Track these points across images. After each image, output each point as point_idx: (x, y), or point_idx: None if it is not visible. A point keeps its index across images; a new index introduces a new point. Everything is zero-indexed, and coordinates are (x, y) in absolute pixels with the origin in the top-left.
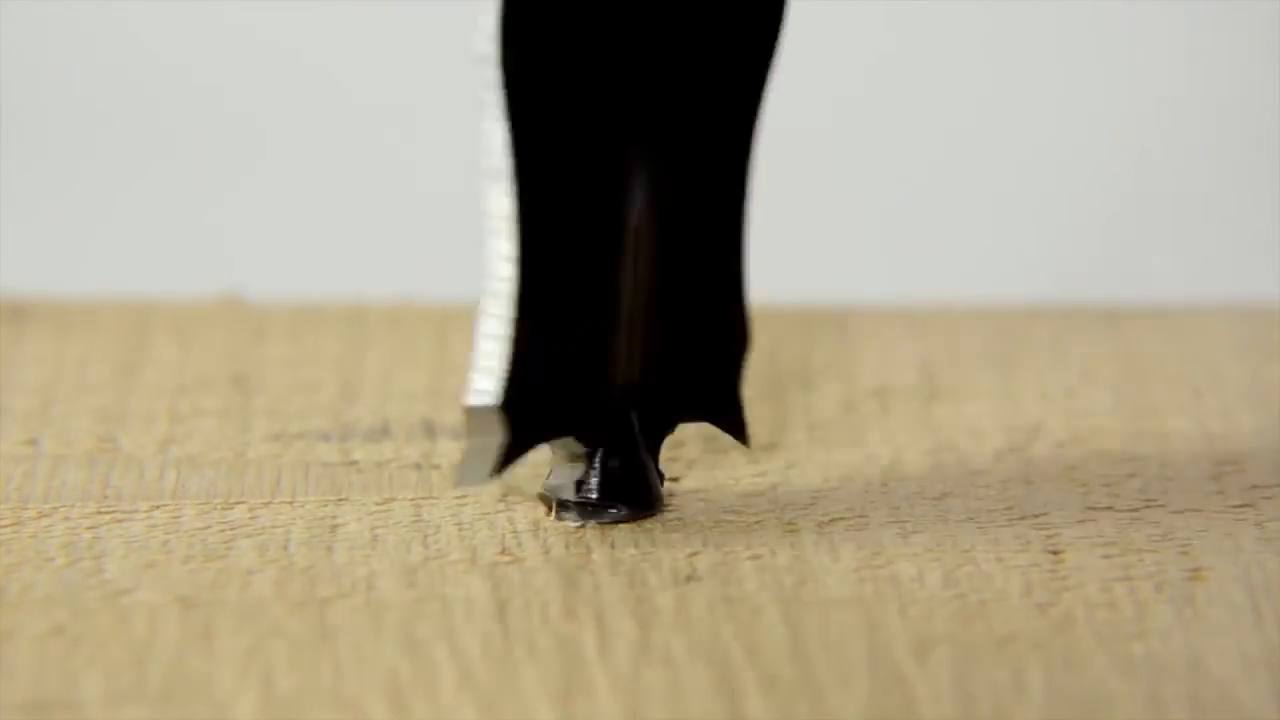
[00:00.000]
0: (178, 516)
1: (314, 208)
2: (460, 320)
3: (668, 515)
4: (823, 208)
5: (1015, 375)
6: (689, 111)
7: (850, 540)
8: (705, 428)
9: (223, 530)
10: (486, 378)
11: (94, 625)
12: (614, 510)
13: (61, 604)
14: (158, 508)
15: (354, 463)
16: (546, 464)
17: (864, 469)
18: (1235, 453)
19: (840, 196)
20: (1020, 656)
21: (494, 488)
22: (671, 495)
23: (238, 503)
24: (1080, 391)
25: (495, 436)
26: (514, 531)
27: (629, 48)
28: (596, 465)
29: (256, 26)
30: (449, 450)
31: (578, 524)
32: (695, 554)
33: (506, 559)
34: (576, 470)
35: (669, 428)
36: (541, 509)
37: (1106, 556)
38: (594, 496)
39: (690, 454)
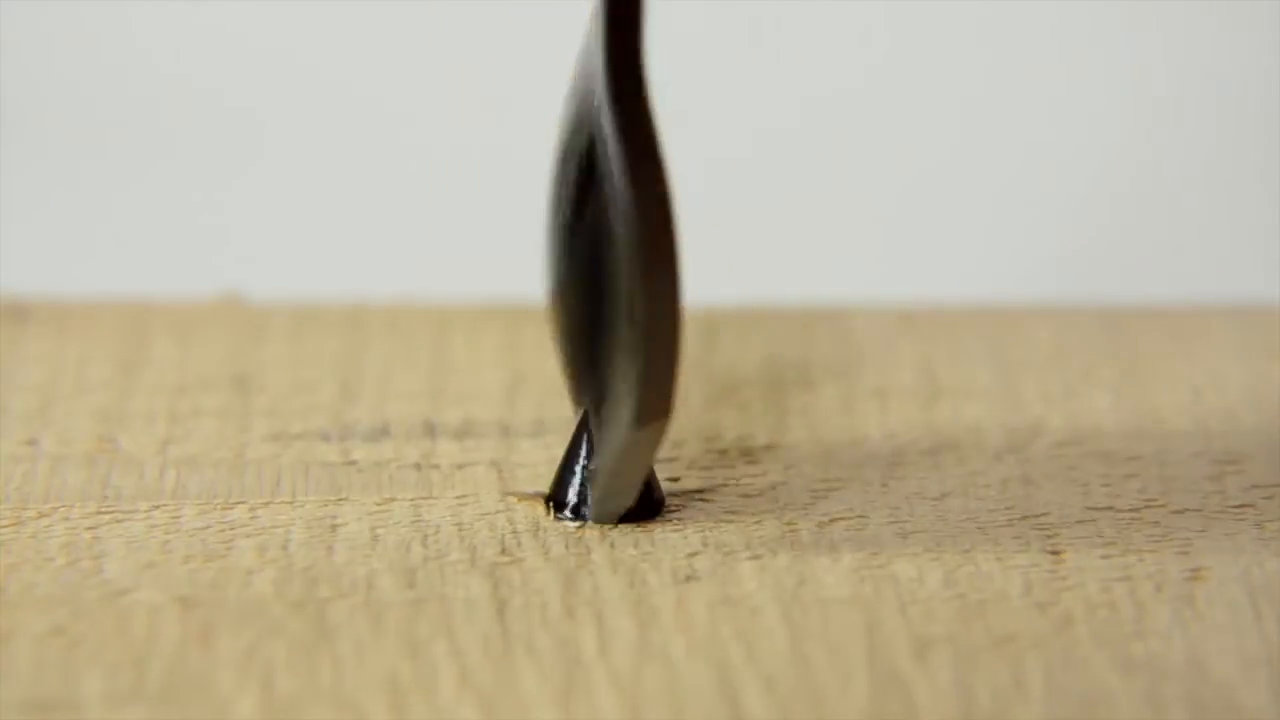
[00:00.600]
0: (177, 516)
1: (314, 208)
2: (460, 320)
3: (668, 515)
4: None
5: (1015, 375)
6: None
7: (850, 540)
8: (706, 426)
9: (222, 530)
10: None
11: (94, 625)
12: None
13: (61, 604)
14: (157, 507)
15: (354, 463)
16: (547, 464)
17: (864, 469)
18: (1235, 453)
19: (840, 196)
20: (1020, 656)
21: (495, 486)
22: (671, 495)
23: (237, 503)
24: (1080, 391)
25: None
26: (514, 532)
27: None
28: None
29: (257, 27)
30: (449, 450)
31: (577, 524)
32: (695, 554)
33: (506, 559)
34: (576, 473)
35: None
36: (540, 509)
37: (1106, 557)
38: (566, 500)
39: (690, 454)
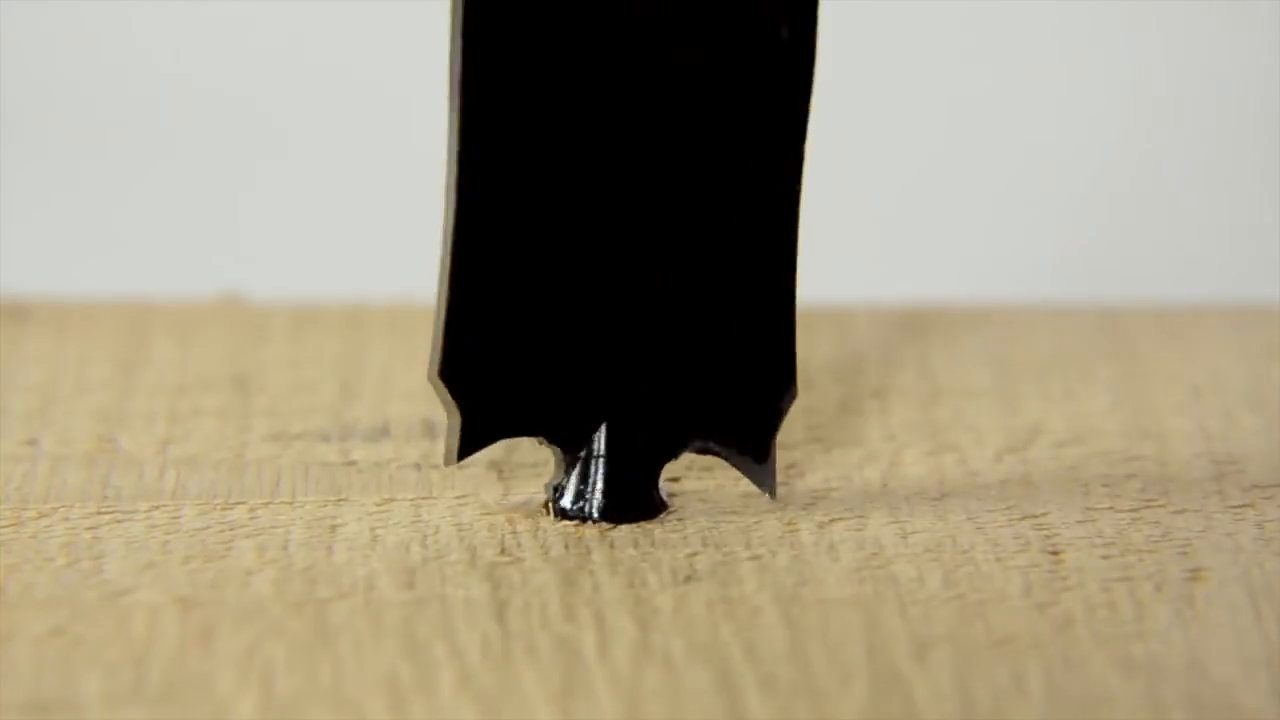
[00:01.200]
0: (177, 517)
1: (314, 208)
2: None
3: (668, 515)
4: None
5: (1015, 376)
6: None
7: (850, 540)
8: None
9: (222, 530)
10: (433, 350)
11: (94, 626)
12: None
13: (61, 604)
14: (157, 508)
15: (353, 463)
16: (547, 464)
17: (864, 469)
18: (1235, 453)
19: (839, 196)
20: (1020, 657)
21: (494, 487)
22: (671, 496)
23: (237, 503)
24: (1080, 392)
25: (454, 417)
26: (513, 532)
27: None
28: (573, 473)
29: (257, 27)
30: None
31: (575, 521)
32: (695, 554)
33: (506, 559)
34: (562, 473)
35: (676, 450)
36: (540, 509)
37: (1106, 557)
38: (565, 504)
39: (690, 454)
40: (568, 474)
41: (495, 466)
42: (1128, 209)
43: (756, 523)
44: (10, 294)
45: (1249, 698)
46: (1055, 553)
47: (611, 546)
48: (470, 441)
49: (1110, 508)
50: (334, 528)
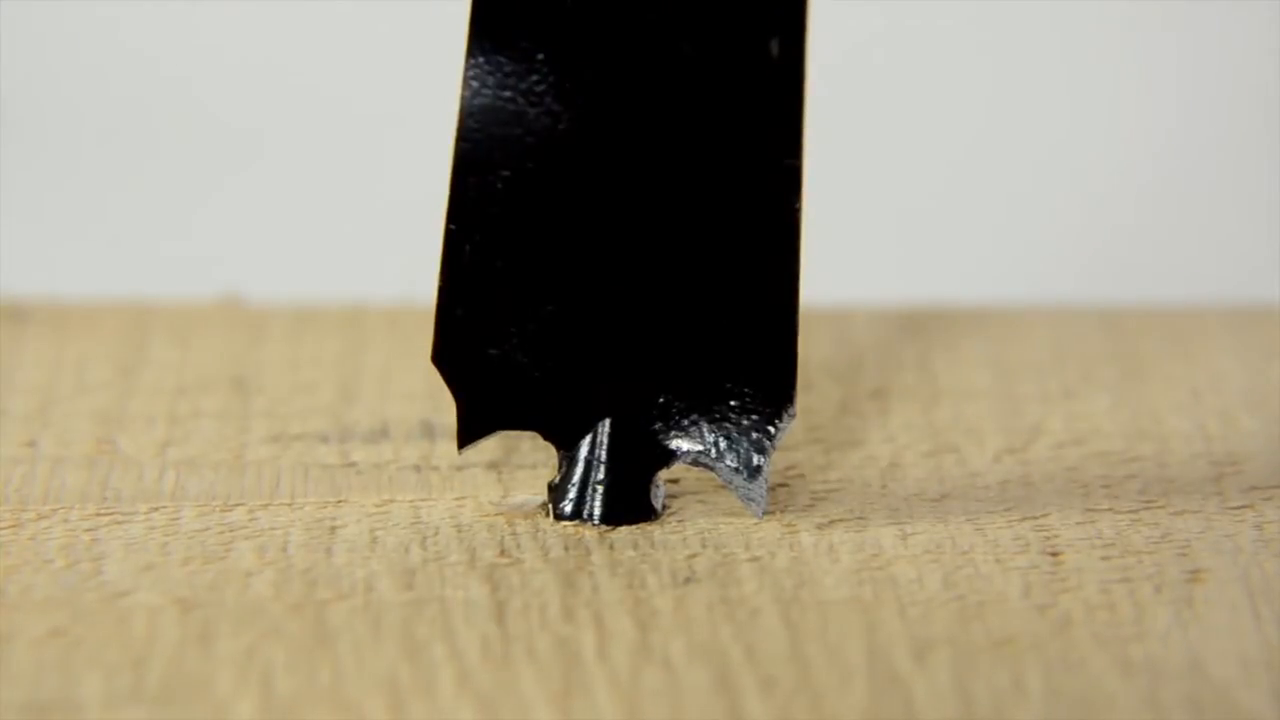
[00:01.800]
0: (177, 518)
1: (313, 209)
2: None
3: (667, 517)
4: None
5: (1014, 376)
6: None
7: (849, 542)
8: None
9: (222, 532)
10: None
11: (93, 627)
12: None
13: (60, 606)
14: (157, 509)
15: (353, 464)
16: (546, 464)
17: (863, 470)
18: (1235, 454)
19: (838, 197)
20: (1019, 658)
21: (494, 489)
22: (671, 496)
23: (237, 504)
24: (1079, 392)
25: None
26: (513, 533)
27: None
28: (573, 476)
29: (256, 30)
30: (448, 452)
31: (575, 525)
32: (694, 556)
33: (505, 560)
34: (560, 473)
35: (670, 458)
36: (539, 510)
37: (1106, 558)
38: (565, 509)
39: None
40: (567, 476)
41: (495, 468)
42: (1127, 210)
43: (756, 524)
44: (9, 295)
45: (1248, 699)
46: (1055, 554)
47: (611, 548)
48: (470, 428)
49: (1110, 509)
50: (333, 529)
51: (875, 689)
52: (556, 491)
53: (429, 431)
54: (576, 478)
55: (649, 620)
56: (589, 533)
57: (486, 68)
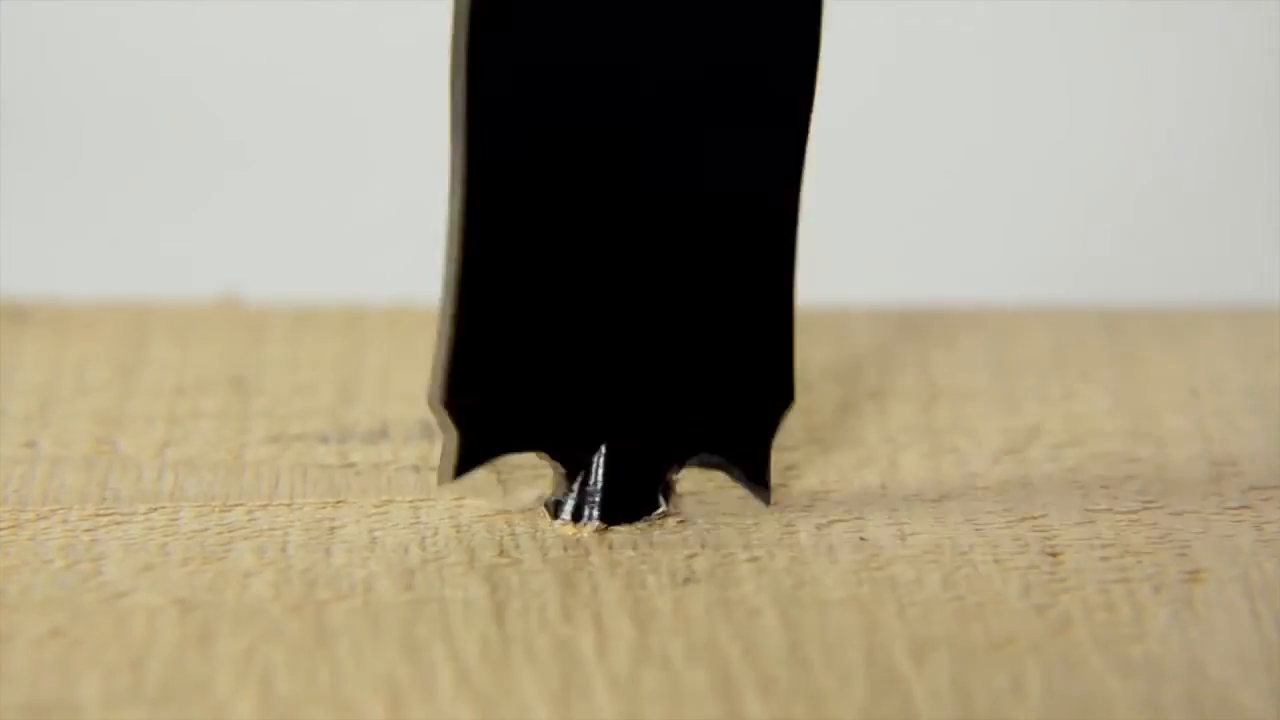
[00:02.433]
0: (176, 519)
1: (312, 210)
2: None
3: (666, 517)
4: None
5: (1014, 377)
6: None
7: (848, 542)
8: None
9: (221, 532)
10: (437, 374)
11: (92, 627)
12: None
13: (60, 606)
14: (156, 510)
15: (352, 465)
16: (545, 465)
17: (862, 471)
18: (1234, 454)
19: (838, 197)
20: (1018, 658)
21: (493, 490)
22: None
23: (236, 505)
24: (1079, 393)
25: (452, 439)
26: (512, 534)
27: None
28: (574, 488)
29: (255, 29)
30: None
31: (575, 527)
32: (693, 556)
33: (505, 561)
34: (563, 484)
35: (673, 461)
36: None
37: (1105, 558)
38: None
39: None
40: (567, 492)
41: (494, 468)
42: (1127, 210)
43: (755, 524)
44: (9, 296)
45: (1248, 698)
46: (1054, 554)
47: (610, 548)
48: (467, 462)
49: (1109, 509)
50: (333, 529)
51: (874, 689)
52: (555, 507)
53: (428, 432)
54: (575, 492)
55: (648, 620)
56: (588, 533)
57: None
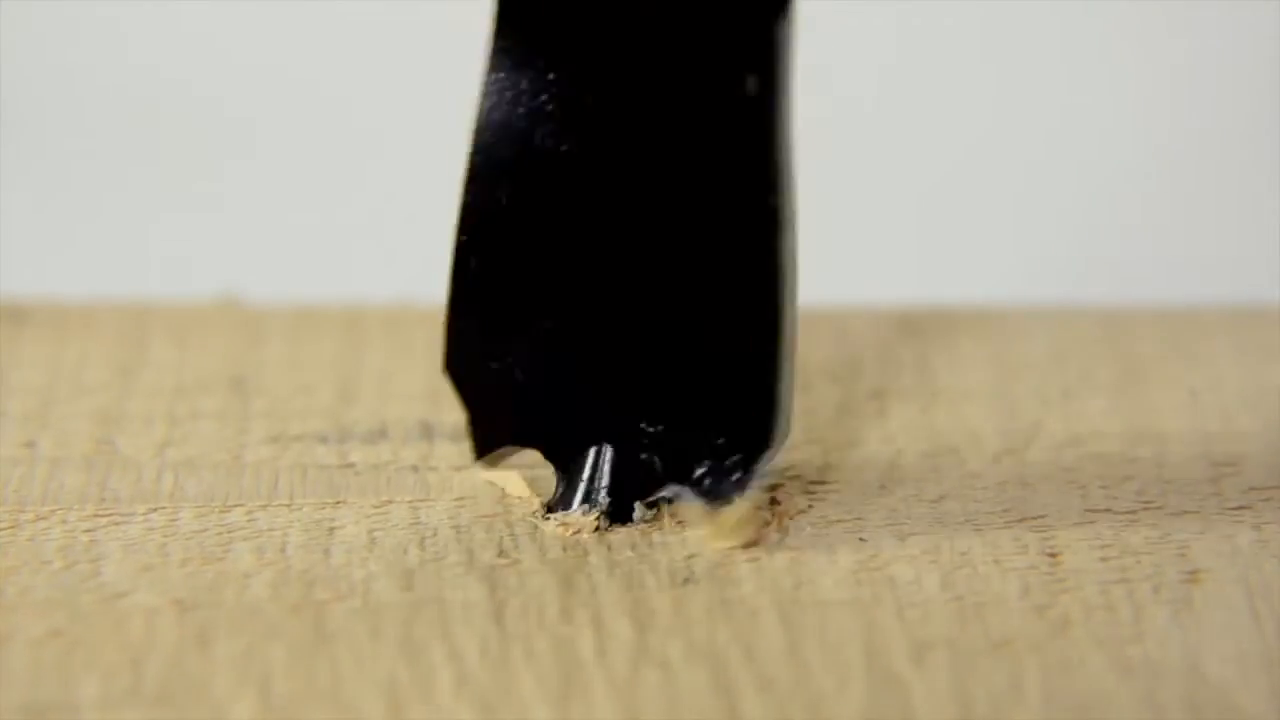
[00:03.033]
0: (175, 519)
1: (312, 210)
2: None
3: (666, 517)
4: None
5: (1013, 377)
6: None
7: (847, 542)
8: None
9: (220, 533)
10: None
11: (91, 628)
12: None
13: (59, 607)
14: (155, 510)
15: (352, 465)
16: (545, 465)
17: (861, 471)
18: (1233, 455)
19: (837, 197)
20: (1018, 659)
21: (493, 490)
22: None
23: (235, 505)
24: (1078, 393)
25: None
26: (511, 534)
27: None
28: (567, 489)
29: (253, 30)
30: (446, 453)
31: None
32: (692, 556)
33: (504, 561)
34: (560, 485)
35: (653, 483)
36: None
37: (1104, 559)
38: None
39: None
40: (564, 498)
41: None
42: (1126, 210)
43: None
44: (8, 295)
45: (1247, 699)
46: (1053, 555)
47: (609, 548)
48: (483, 439)
49: (1108, 510)
50: (332, 530)
51: (873, 690)
52: (552, 512)
53: (428, 432)
54: (576, 501)
55: (647, 621)
56: (588, 533)
57: (505, 83)
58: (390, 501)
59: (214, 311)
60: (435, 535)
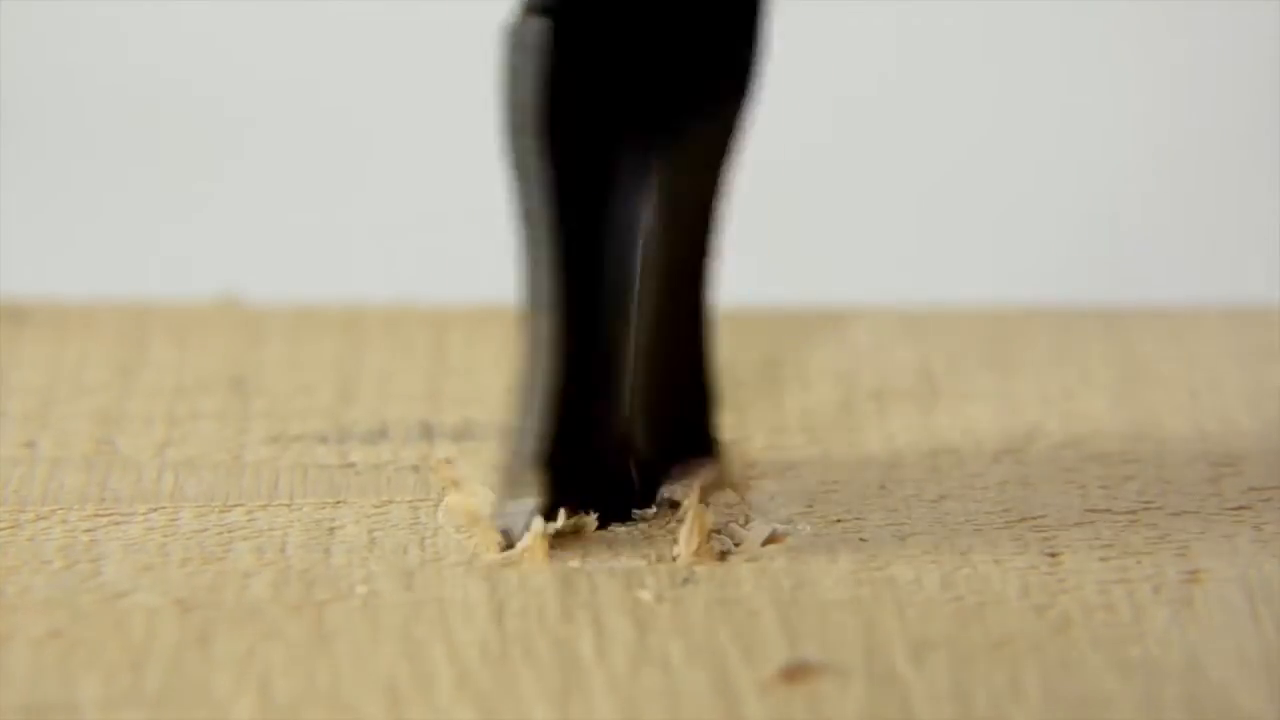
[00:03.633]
0: (175, 519)
1: (312, 210)
2: (459, 322)
3: (665, 517)
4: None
5: (1013, 377)
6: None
7: (848, 543)
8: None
9: (220, 533)
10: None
11: (91, 628)
12: None
13: (59, 607)
14: (155, 510)
15: (351, 465)
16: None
17: (862, 471)
18: (1233, 455)
19: (839, 197)
20: (1017, 659)
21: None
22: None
23: (235, 505)
24: (1078, 393)
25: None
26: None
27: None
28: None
29: (253, 30)
30: (447, 453)
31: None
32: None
33: (504, 561)
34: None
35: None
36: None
37: (1104, 559)
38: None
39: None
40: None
41: (494, 469)
42: (1126, 212)
43: (754, 524)
44: (8, 296)
45: (1247, 699)
46: (1053, 555)
47: (610, 548)
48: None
49: (1108, 510)
50: (332, 530)
51: (873, 690)
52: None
53: (428, 432)
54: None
55: (647, 621)
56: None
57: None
58: (390, 501)
59: (214, 311)
60: (435, 535)
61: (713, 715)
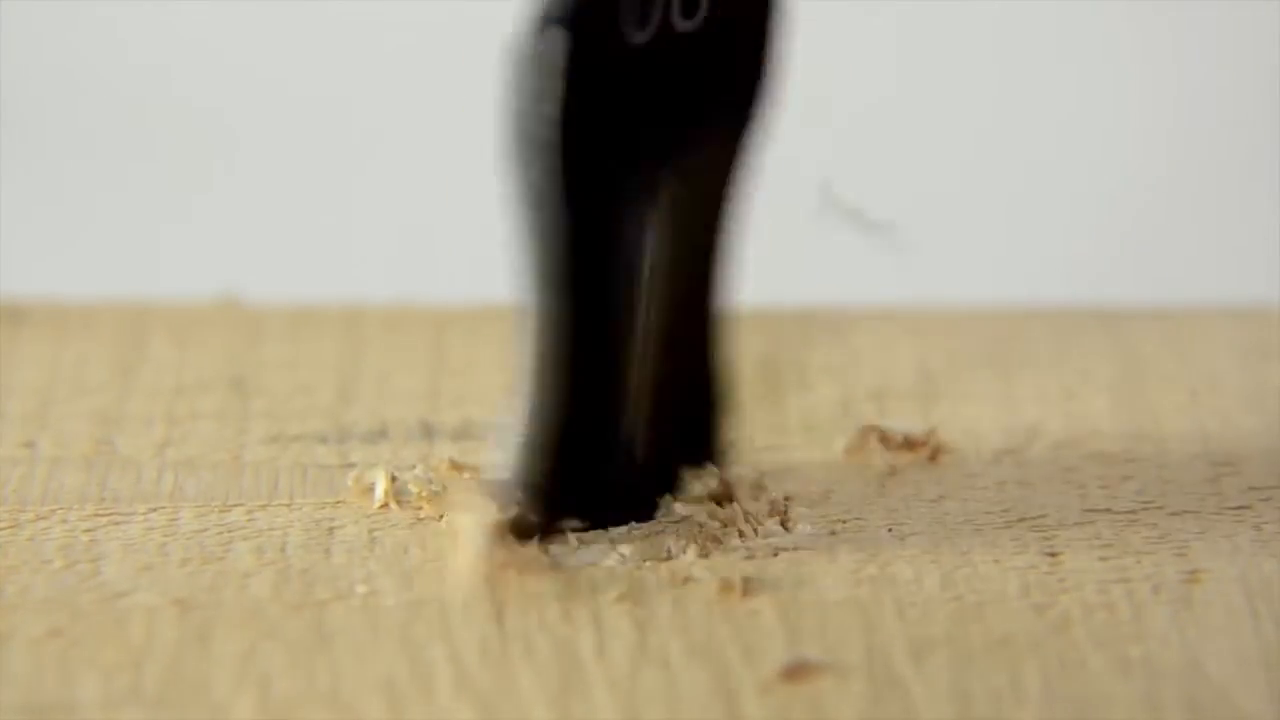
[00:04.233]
0: (175, 519)
1: (311, 210)
2: (459, 322)
3: (665, 517)
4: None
5: (1013, 377)
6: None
7: (847, 542)
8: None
9: (220, 533)
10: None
11: (91, 628)
12: None
13: (58, 606)
14: (155, 510)
15: (352, 465)
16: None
17: (861, 471)
18: (1233, 455)
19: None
20: (1017, 658)
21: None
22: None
23: (235, 505)
24: (1078, 393)
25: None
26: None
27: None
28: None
29: (253, 31)
30: (447, 452)
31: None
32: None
33: (504, 561)
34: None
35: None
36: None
37: (1104, 559)
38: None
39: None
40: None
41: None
42: (1126, 211)
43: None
44: (7, 296)
45: (1246, 699)
46: (1053, 554)
47: (610, 547)
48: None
49: (1108, 509)
50: (332, 530)
51: (873, 690)
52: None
53: (428, 432)
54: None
55: (647, 621)
56: (587, 533)
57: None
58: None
59: (214, 311)
60: (435, 535)
61: (713, 715)
